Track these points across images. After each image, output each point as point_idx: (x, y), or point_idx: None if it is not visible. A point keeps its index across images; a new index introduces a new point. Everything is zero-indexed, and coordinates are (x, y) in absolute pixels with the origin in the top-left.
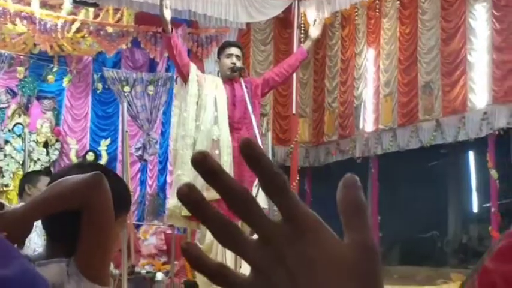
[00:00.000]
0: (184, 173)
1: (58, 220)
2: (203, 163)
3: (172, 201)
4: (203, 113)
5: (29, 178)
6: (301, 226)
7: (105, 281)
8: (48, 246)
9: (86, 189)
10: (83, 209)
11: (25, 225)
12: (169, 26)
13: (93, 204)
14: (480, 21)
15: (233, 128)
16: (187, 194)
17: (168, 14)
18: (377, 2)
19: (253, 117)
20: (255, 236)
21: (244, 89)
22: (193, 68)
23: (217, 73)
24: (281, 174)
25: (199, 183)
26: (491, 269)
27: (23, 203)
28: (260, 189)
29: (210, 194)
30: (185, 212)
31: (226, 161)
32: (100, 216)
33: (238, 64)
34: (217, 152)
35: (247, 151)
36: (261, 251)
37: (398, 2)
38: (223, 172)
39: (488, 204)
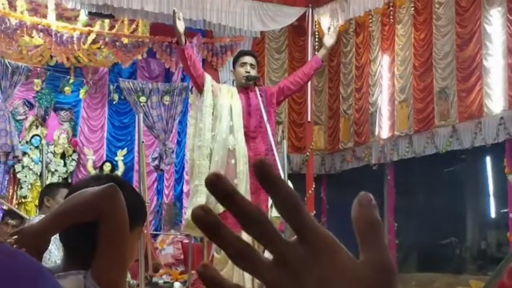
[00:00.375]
0: (201, 183)
1: (75, 232)
2: (216, 184)
3: (189, 211)
4: (218, 122)
5: (48, 190)
6: (317, 247)
7: None
8: (66, 258)
9: (101, 201)
10: (98, 221)
11: (43, 241)
12: (183, 38)
13: (108, 215)
14: (495, 26)
15: (249, 137)
16: (204, 218)
17: (181, 26)
18: (391, 8)
19: (268, 125)
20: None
21: (259, 98)
22: (207, 78)
23: (233, 82)
24: (294, 194)
25: None
26: (507, 285)
27: (42, 215)
28: None
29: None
30: None
31: (243, 171)
32: (115, 227)
33: (253, 73)
34: (233, 161)
35: (260, 172)
36: (278, 273)
37: (412, 8)
38: (237, 193)
39: (506, 210)
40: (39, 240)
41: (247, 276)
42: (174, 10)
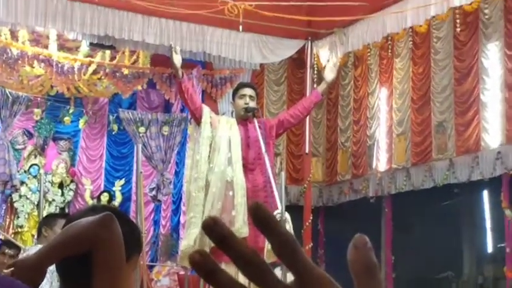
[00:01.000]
0: (195, 215)
1: (71, 262)
2: (213, 228)
3: (185, 242)
4: (217, 154)
5: (46, 221)
6: None
7: None
8: (62, 287)
9: (97, 229)
10: (93, 250)
11: (39, 273)
12: (180, 72)
13: (104, 243)
14: (493, 60)
15: (247, 168)
16: (201, 262)
17: (178, 60)
18: (389, 42)
19: (266, 157)
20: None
21: (258, 130)
22: (205, 110)
23: (232, 114)
24: (291, 237)
25: None
26: None
27: (39, 245)
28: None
29: None
30: None
31: (240, 203)
32: (111, 256)
33: (252, 104)
34: (231, 193)
35: (256, 215)
36: None
37: (410, 42)
38: (233, 236)
39: (503, 245)
40: (35, 273)
41: None
42: (170, 44)
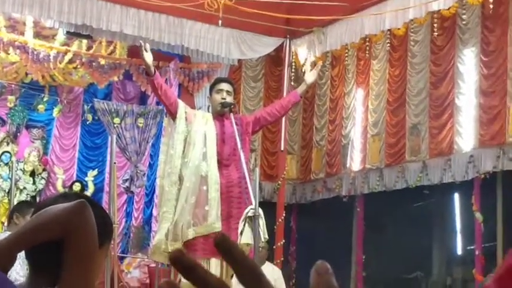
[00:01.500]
0: (168, 210)
1: (41, 249)
2: (180, 260)
3: (157, 236)
4: (192, 149)
5: (19, 207)
6: None
7: None
8: (32, 275)
9: (70, 216)
10: (66, 236)
11: (8, 258)
12: (152, 68)
13: (77, 230)
14: (468, 66)
15: (222, 164)
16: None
17: (148, 57)
18: (367, 43)
19: (242, 153)
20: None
21: (234, 126)
22: (180, 105)
23: (208, 108)
24: (256, 268)
25: (184, 220)
26: None
27: (8, 232)
28: (246, 225)
29: (199, 229)
30: (170, 248)
31: (214, 197)
32: (84, 243)
33: (229, 100)
34: (205, 188)
35: (222, 247)
36: None
37: (388, 45)
38: (199, 267)
39: (472, 247)
40: (4, 258)
41: None
42: (140, 42)
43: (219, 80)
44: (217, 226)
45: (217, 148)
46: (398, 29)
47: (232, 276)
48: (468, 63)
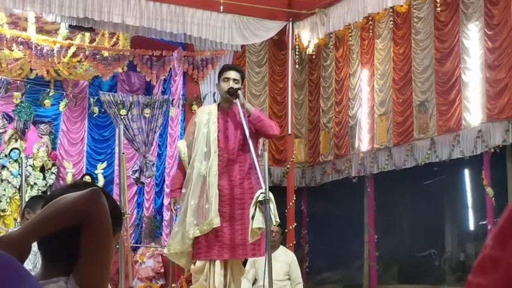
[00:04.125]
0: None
1: (56, 239)
2: None
3: (170, 241)
4: (195, 149)
5: (30, 203)
6: None
7: None
8: (46, 266)
9: (86, 204)
10: (83, 224)
11: (23, 248)
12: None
13: (93, 218)
14: (473, 41)
15: (227, 161)
16: None
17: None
18: (370, 23)
19: (250, 142)
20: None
21: (241, 112)
22: (183, 147)
23: (214, 95)
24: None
25: (189, 221)
26: (471, 282)
27: None
28: (257, 210)
29: (201, 227)
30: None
31: (212, 195)
32: (100, 231)
33: (237, 87)
34: (206, 187)
35: None
36: None
37: (391, 23)
38: None
39: (484, 222)
40: (20, 247)
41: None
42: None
43: (227, 68)
44: (216, 222)
45: (221, 145)
46: (401, 6)
47: (245, 263)
48: (473, 38)
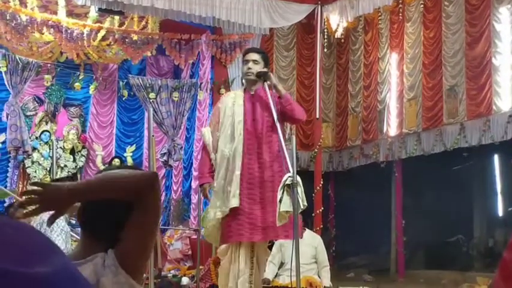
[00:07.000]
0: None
1: (102, 214)
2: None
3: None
4: (222, 131)
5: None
6: None
7: (139, 277)
8: (84, 243)
9: (146, 184)
10: (135, 203)
11: (66, 204)
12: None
13: (148, 199)
14: (504, 24)
15: (256, 143)
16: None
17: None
18: (400, 6)
19: (278, 124)
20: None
21: (269, 94)
22: (207, 133)
23: (241, 79)
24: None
25: (213, 204)
26: (506, 258)
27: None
28: (285, 193)
29: (223, 209)
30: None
31: (236, 175)
32: (151, 213)
33: (257, 68)
34: (230, 168)
35: None
36: None
37: (422, 6)
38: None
39: None
40: (63, 203)
41: (243, 271)
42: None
43: (247, 51)
44: (234, 203)
45: (248, 127)
46: None
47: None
48: (504, 21)
